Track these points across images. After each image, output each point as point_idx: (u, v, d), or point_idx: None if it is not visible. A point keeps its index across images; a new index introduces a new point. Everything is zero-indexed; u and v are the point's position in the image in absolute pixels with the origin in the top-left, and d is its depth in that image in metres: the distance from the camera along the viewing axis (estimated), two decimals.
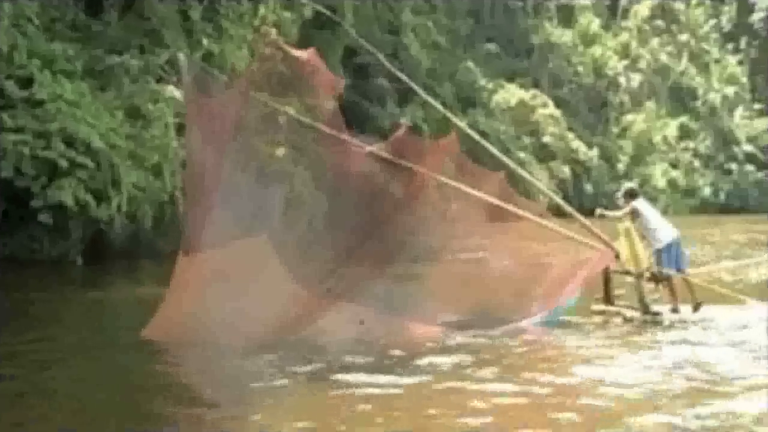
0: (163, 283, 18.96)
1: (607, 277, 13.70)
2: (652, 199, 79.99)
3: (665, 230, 14.01)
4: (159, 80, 25.53)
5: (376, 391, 8.55)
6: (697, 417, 7.62)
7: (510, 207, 13.19)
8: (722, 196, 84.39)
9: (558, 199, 14.83)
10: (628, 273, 13.53)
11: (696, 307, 13.65)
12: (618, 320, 13.21)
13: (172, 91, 25.02)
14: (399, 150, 12.62)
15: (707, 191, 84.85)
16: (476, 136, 14.25)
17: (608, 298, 13.73)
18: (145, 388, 9.25)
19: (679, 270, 13.81)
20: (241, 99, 12.03)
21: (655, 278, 13.66)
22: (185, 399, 8.60)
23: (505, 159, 14.66)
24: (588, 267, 13.27)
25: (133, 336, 11.44)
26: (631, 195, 14.33)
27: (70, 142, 21.27)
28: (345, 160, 12.64)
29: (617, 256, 13.38)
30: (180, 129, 25.70)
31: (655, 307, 13.49)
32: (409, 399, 8.40)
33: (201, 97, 12.12)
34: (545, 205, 14.40)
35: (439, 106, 17.28)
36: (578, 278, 13.14)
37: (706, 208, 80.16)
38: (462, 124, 16.18)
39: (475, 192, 13.04)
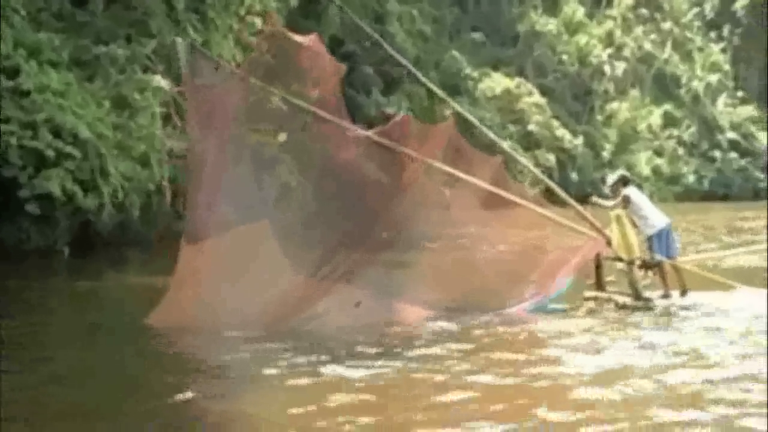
0: (150, 272, 19.14)
1: (598, 264, 13.87)
2: (637, 187, 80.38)
3: (656, 217, 14.33)
4: (145, 70, 25.51)
5: (370, 378, 8.68)
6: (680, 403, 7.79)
7: (507, 194, 13.36)
8: (706, 184, 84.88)
9: (554, 186, 14.98)
10: (619, 260, 13.69)
11: (683, 293, 13.89)
12: (610, 306, 13.36)
13: (159, 81, 25.06)
14: (398, 136, 12.80)
15: (691, 179, 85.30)
16: (475, 121, 14.41)
17: (600, 285, 13.89)
18: (136, 376, 9.33)
19: (669, 257, 14.05)
20: (242, 86, 12.17)
21: (646, 265, 13.89)
22: (176, 387, 8.69)
23: (503, 144, 14.90)
24: (580, 254, 13.45)
25: (122, 323, 11.54)
26: (623, 182, 14.58)
27: (57, 132, 21.23)
28: (342, 146, 12.79)
29: (609, 243, 13.56)
30: (167, 119, 25.78)
31: (646, 293, 13.68)
32: (403, 385, 8.53)
33: (200, 82, 12.21)
34: (536, 192, 14.52)
35: (441, 92, 17.30)
36: (570, 265, 13.31)
37: (690, 195, 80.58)
38: (461, 108, 16.37)
39: (471, 178, 13.18)
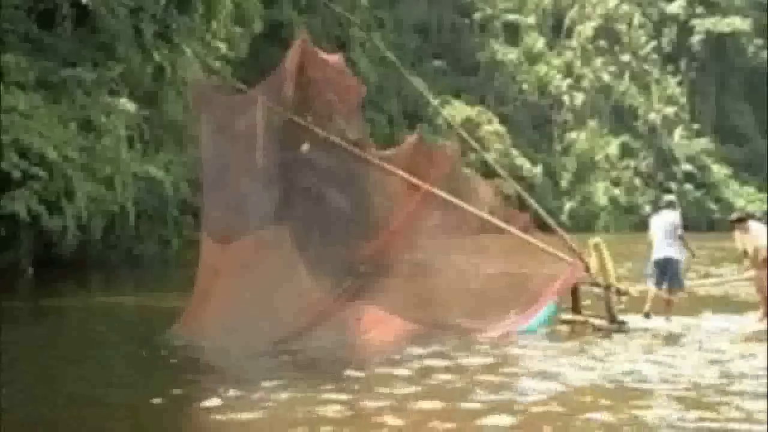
0: (114, 292, 19.34)
1: (575, 289, 14.49)
2: (594, 216, 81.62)
3: (655, 250, 15.33)
4: (112, 93, 25.77)
5: (358, 395, 9.06)
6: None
7: (497, 221, 13.98)
8: None
9: (542, 213, 15.59)
10: (596, 285, 14.35)
11: (647, 315, 14.72)
12: (587, 329, 13.97)
13: (125, 104, 25.35)
14: (409, 158, 13.53)
15: (647, 209, 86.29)
16: (478, 147, 14.96)
17: (576, 308, 14.50)
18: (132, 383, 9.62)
19: (670, 288, 15.06)
20: (261, 111, 12.79)
21: (619, 291, 14.57)
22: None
23: (500, 170, 15.77)
24: (561, 279, 14.04)
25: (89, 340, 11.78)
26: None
27: (23, 153, 21.45)
28: (359, 169, 13.46)
29: (587, 269, 14.20)
30: (131, 141, 26.04)
31: (620, 317, 14.33)
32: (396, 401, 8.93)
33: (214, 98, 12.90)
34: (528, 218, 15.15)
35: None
36: (552, 289, 13.90)
37: (646, 225, 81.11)
38: (464, 134, 17.24)
39: (463, 204, 13.83)
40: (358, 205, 13.86)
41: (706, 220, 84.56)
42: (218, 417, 8.14)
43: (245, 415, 8.17)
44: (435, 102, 71.49)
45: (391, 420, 8.01)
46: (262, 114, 12.83)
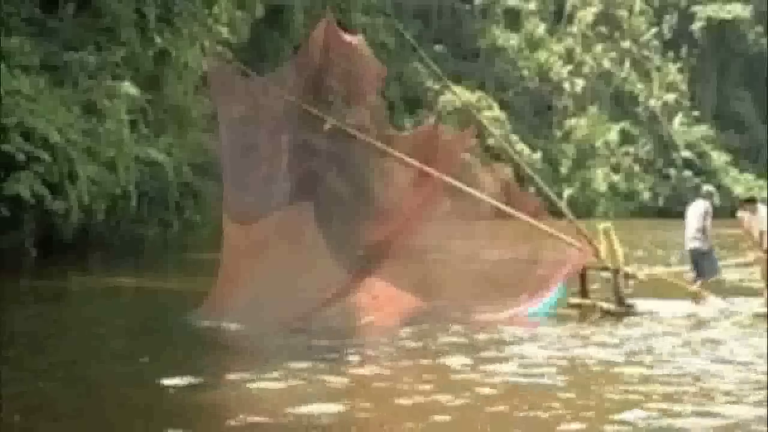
0: (114, 273, 19.57)
1: (583, 273, 14.84)
2: (593, 202, 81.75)
3: (686, 240, 15.78)
4: (115, 77, 25.96)
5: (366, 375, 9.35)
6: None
7: (507, 208, 14.33)
8: (661, 201, 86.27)
9: (556, 199, 15.99)
10: (606, 269, 14.72)
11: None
12: (596, 312, 14.35)
13: (128, 88, 25.54)
14: (426, 145, 13.92)
15: (646, 195, 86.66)
16: (495, 132, 15.27)
17: (584, 292, 14.86)
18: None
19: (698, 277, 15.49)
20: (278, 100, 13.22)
21: (627, 275, 14.93)
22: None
23: (515, 157, 16.26)
24: (570, 263, 14.40)
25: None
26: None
27: (27, 136, 21.62)
28: (374, 154, 13.83)
29: (597, 254, 14.56)
30: (134, 125, 26.25)
31: (628, 300, 14.68)
32: (408, 380, 9.20)
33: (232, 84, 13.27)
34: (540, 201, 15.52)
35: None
36: (561, 273, 14.26)
37: (644, 212, 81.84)
38: (483, 120, 17.75)
39: (482, 195, 14.20)
40: (374, 187, 14.23)
41: None
42: (207, 395, 8.37)
43: (245, 394, 8.40)
44: (437, 86, 71.64)
45: (397, 399, 8.27)
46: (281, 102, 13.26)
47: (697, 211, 15.73)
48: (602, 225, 15.02)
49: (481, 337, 11.74)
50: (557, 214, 15.59)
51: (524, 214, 14.43)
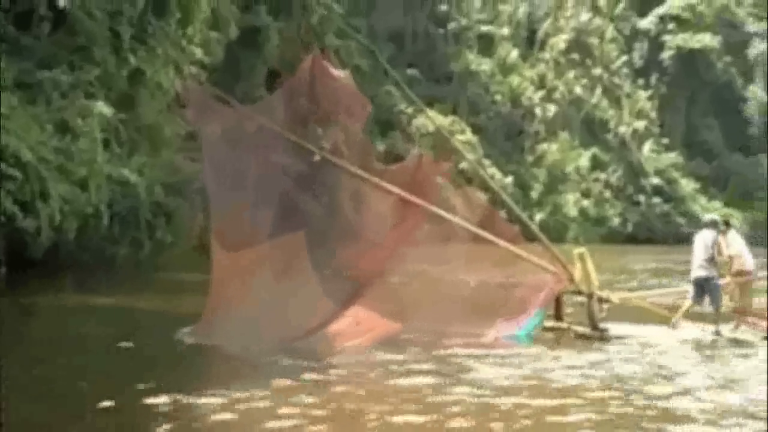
0: (86, 293, 19.54)
1: (558, 297, 15.07)
2: (564, 227, 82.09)
3: (693, 269, 16.09)
4: (87, 95, 25.92)
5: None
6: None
7: (484, 233, 14.59)
8: (630, 227, 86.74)
9: (531, 225, 16.33)
10: (580, 293, 14.95)
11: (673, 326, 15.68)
12: (569, 335, 14.56)
13: (101, 107, 25.51)
14: (412, 175, 14.25)
15: (616, 221, 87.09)
16: (469, 157, 15.58)
17: (559, 316, 15.07)
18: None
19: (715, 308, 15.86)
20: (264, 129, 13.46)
21: (602, 299, 15.17)
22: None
23: (490, 182, 16.60)
24: (547, 288, 14.65)
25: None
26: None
27: None
28: (361, 184, 14.10)
29: (571, 279, 14.79)
30: (107, 144, 26.21)
31: (602, 324, 14.89)
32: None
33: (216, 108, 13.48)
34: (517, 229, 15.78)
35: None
36: (539, 298, 14.54)
37: (614, 237, 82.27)
38: (456, 144, 18.14)
39: (456, 219, 14.46)
40: (362, 217, 14.50)
41: (673, 234, 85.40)
42: (181, 413, 8.44)
43: (223, 415, 8.47)
44: (410, 109, 71.89)
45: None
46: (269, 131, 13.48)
47: (704, 240, 15.99)
48: (577, 250, 15.31)
49: (455, 359, 11.91)
50: (532, 239, 15.84)
51: (502, 239, 14.71)
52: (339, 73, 14.31)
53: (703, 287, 15.84)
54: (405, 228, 14.43)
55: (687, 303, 16.03)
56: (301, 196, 13.91)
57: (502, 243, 14.80)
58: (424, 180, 14.57)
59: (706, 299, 15.92)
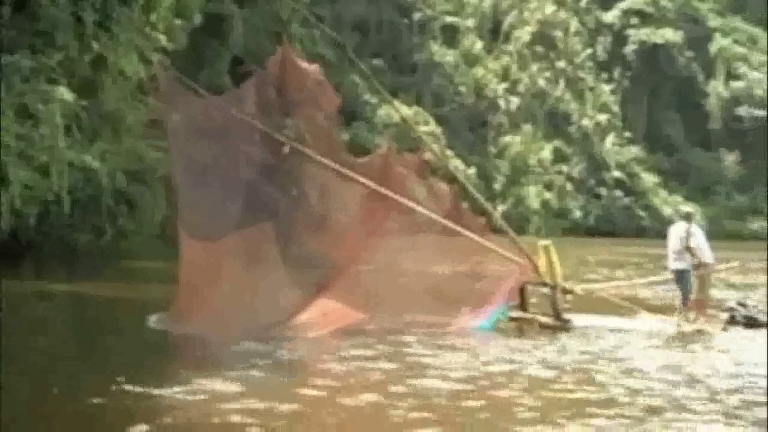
0: (47, 279, 19.40)
1: (523, 288, 15.28)
2: (526, 219, 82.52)
3: (669, 261, 16.48)
4: (50, 81, 25.67)
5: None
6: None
7: (453, 225, 14.77)
8: (591, 219, 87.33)
9: (497, 217, 16.55)
10: (545, 284, 15.18)
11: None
12: (534, 326, 14.80)
13: (63, 93, 25.26)
14: (381, 168, 14.41)
15: (578, 214, 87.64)
16: (434, 148, 15.65)
17: (524, 306, 15.30)
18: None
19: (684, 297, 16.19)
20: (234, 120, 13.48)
21: (565, 290, 15.42)
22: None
23: (459, 174, 16.93)
24: (512, 279, 14.88)
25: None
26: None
27: None
28: (330, 176, 14.20)
29: (536, 270, 15.02)
30: (68, 130, 25.98)
31: (565, 315, 15.14)
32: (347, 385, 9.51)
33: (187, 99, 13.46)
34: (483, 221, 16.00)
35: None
36: (504, 289, 14.74)
37: (576, 230, 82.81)
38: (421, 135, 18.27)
39: (431, 214, 14.66)
40: (330, 208, 14.63)
41: (635, 227, 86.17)
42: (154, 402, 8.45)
43: (185, 403, 8.49)
44: (374, 100, 71.89)
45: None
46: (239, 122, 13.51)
47: (678, 232, 16.22)
48: (542, 242, 15.56)
49: (416, 349, 12.01)
50: (497, 231, 16.05)
51: (469, 231, 14.89)
52: (309, 66, 14.50)
53: (679, 279, 16.11)
54: (374, 219, 14.60)
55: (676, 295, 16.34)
56: (270, 187, 14.04)
57: (469, 234, 14.99)
58: (392, 172, 14.74)
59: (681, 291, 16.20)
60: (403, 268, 15.46)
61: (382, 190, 14.53)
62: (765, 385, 10.21)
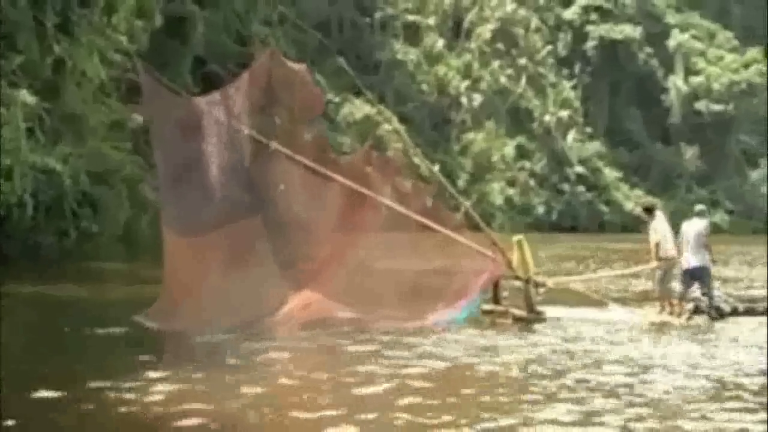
0: (10, 282, 19.37)
1: (496, 282, 15.65)
2: (491, 216, 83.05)
3: (686, 259, 16.45)
4: (11, 84, 25.60)
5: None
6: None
7: (429, 222, 15.18)
8: (555, 215, 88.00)
9: (472, 212, 16.98)
10: (518, 278, 15.55)
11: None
12: (507, 319, 15.17)
13: (25, 96, 25.22)
14: (363, 167, 14.85)
15: (541, 210, 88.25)
16: (409, 145, 15.81)
17: (497, 299, 15.67)
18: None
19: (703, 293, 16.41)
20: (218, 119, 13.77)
21: (537, 283, 15.78)
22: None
23: (436, 173, 17.52)
24: (486, 273, 15.27)
25: None
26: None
27: None
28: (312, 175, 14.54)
29: (509, 264, 15.40)
30: (31, 132, 25.92)
31: (538, 307, 15.54)
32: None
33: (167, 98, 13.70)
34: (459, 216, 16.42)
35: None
36: (478, 283, 15.11)
37: (539, 225, 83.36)
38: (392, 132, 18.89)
39: (412, 214, 15.11)
40: (311, 206, 15.02)
41: (597, 222, 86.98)
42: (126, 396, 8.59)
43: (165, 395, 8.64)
44: (335, 99, 72.04)
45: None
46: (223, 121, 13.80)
47: (696, 229, 16.40)
48: (515, 237, 15.95)
49: (389, 339, 12.31)
50: (469, 227, 16.45)
51: (446, 227, 15.33)
52: (296, 67, 14.93)
53: (696, 275, 16.27)
54: (354, 218, 14.98)
55: (687, 303, 16.51)
56: (255, 185, 14.38)
57: (445, 231, 15.44)
58: (372, 172, 15.21)
59: (695, 287, 16.37)
60: (381, 264, 15.81)
61: (363, 189, 14.92)
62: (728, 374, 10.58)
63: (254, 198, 14.31)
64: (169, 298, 13.17)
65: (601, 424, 8.10)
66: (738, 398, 9.31)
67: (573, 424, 8.10)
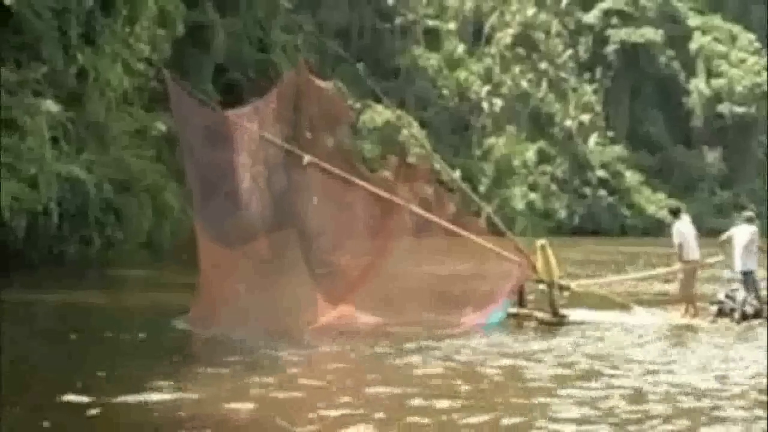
0: (35, 290, 19.62)
1: (521, 285, 15.88)
2: (512, 220, 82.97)
3: (737, 263, 16.70)
4: (35, 94, 25.90)
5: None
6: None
7: (458, 229, 15.47)
8: (576, 219, 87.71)
9: (496, 220, 17.24)
10: (542, 281, 15.76)
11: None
12: (531, 321, 15.36)
13: (49, 105, 25.52)
14: (393, 179, 15.19)
15: (563, 214, 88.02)
16: (428, 150, 16.02)
17: (522, 303, 15.90)
18: None
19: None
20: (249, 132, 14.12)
21: (562, 287, 15.97)
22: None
23: (456, 179, 18.03)
24: (512, 278, 15.53)
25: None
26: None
27: None
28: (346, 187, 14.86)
29: (534, 268, 15.63)
30: (55, 141, 26.21)
31: (562, 311, 15.71)
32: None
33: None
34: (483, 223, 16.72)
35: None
36: (506, 287, 15.38)
37: (561, 230, 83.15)
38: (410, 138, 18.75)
39: (441, 221, 15.82)
40: (345, 217, 15.37)
41: (619, 225, 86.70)
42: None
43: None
44: (358, 105, 72.19)
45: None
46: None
47: (745, 235, 16.53)
48: (539, 242, 16.15)
49: (415, 345, 12.45)
50: (495, 232, 16.72)
51: (471, 233, 15.59)
52: (324, 84, 15.37)
53: (747, 279, 16.40)
54: (389, 227, 15.26)
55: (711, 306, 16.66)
56: (290, 197, 14.70)
57: (473, 237, 15.70)
58: (403, 183, 15.54)
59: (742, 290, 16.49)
60: (409, 271, 16.06)
61: (395, 199, 15.14)
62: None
63: (288, 210, 14.64)
64: (207, 304, 13.45)
65: (624, 425, 8.16)
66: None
67: (593, 424, 8.16)
